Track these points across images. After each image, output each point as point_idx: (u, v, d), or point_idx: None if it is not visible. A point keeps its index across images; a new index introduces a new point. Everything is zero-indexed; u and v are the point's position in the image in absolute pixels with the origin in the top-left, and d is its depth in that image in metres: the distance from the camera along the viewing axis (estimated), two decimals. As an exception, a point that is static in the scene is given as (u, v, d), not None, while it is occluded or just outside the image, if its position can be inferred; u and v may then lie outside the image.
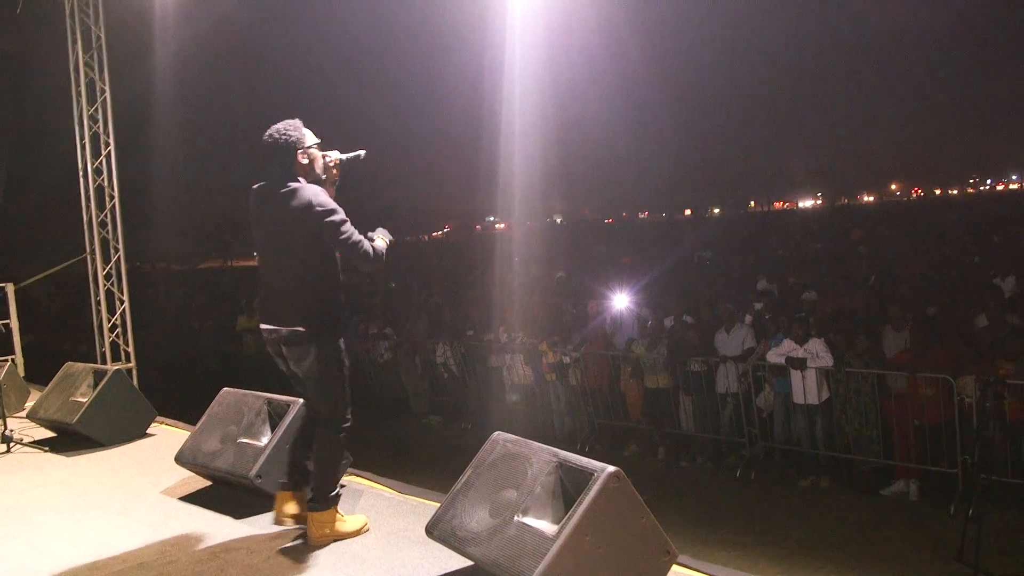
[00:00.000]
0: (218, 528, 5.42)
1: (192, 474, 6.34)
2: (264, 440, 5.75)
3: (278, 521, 5.17)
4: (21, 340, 11.75)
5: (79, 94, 11.56)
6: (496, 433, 4.56)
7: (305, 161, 4.76)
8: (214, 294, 26.54)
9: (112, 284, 12.02)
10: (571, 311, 14.25)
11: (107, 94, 11.68)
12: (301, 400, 5.79)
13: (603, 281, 16.00)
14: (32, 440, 8.10)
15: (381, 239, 4.88)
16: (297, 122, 4.82)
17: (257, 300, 5.06)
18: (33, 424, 8.37)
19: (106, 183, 11.86)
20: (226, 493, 5.96)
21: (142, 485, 6.47)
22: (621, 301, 13.74)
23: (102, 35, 11.53)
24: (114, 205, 11.94)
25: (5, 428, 7.91)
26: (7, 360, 10.57)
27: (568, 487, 4.01)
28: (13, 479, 6.94)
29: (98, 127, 11.69)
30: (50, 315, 21.86)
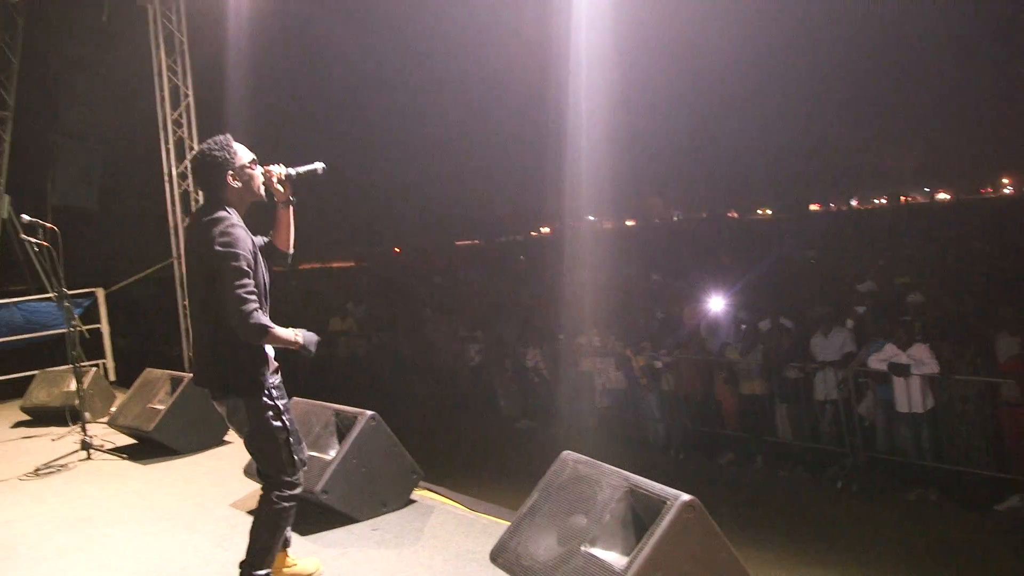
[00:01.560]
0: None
1: (262, 486, 6.19)
2: (331, 453, 5.54)
3: None
4: (117, 344, 11.86)
5: (163, 99, 11.64)
6: (565, 453, 4.26)
7: (237, 184, 4.14)
8: (309, 296, 26.71)
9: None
10: (660, 315, 13.85)
11: (190, 98, 11.74)
12: (369, 412, 5.59)
13: (699, 283, 15.58)
14: (112, 447, 8.08)
15: (294, 334, 4.21)
16: (226, 138, 4.19)
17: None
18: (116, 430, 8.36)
19: (191, 187, 11.89)
20: (296, 507, 5.76)
21: (213, 497, 6.34)
22: (717, 304, 13.29)
23: (184, 40, 11.59)
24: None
25: (85, 434, 7.89)
26: (95, 365, 10.63)
27: (640, 515, 3.70)
28: (89, 488, 6.91)
29: (182, 131, 11.74)
30: (148, 318, 22.21)
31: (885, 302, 12.79)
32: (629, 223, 73.60)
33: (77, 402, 8.24)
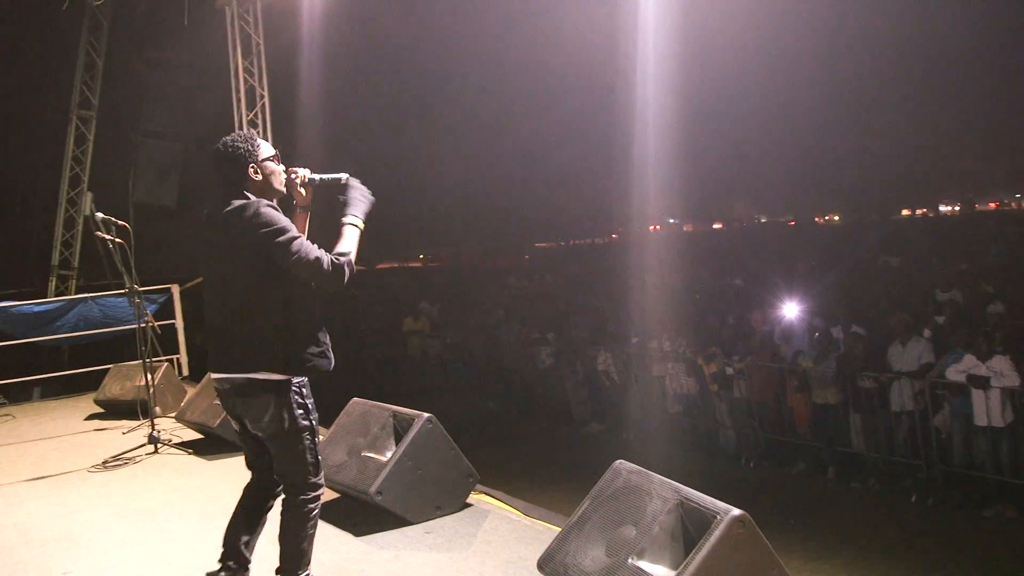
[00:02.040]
0: (336, 544, 5.24)
1: (321, 485, 6.21)
2: (388, 455, 5.53)
3: None
4: (194, 339, 12.05)
5: (239, 100, 11.79)
6: (618, 462, 4.17)
7: (258, 177, 4.08)
8: (385, 295, 26.90)
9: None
10: (732, 321, 13.63)
11: (265, 99, 11.87)
12: (426, 415, 5.56)
13: (776, 288, 15.30)
14: (180, 441, 8.19)
15: (353, 223, 4.12)
16: (250, 133, 4.20)
17: (207, 345, 4.29)
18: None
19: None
20: (352, 507, 5.76)
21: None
22: (791, 310, 13.02)
23: (261, 42, 11.74)
24: (275, 208, 12.09)
25: (153, 429, 8.01)
26: (166, 361, 10.80)
27: (689, 528, 3.61)
28: (153, 481, 7.02)
29: (257, 131, 11.85)
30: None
31: (966, 311, 12.42)
32: (716, 226, 72.88)
33: (148, 396, 8.37)
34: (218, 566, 4.27)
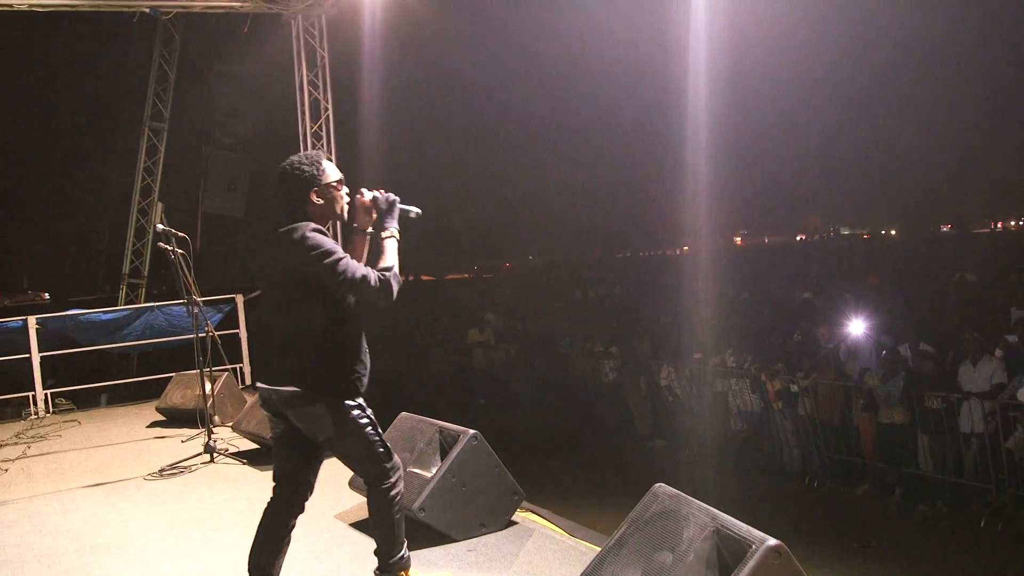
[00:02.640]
0: (375, 563, 5.19)
1: (369, 499, 6.18)
2: (433, 471, 5.48)
3: None
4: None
5: (303, 112, 11.87)
6: (657, 485, 4.06)
7: (319, 201, 4.11)
8: (452, 306, 26.94)
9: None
10: (798, 337, 13.36)
11: (330, 111, 11.94)
12: (471, 431, 5.51)
13: (844, 304, 15.00)
14: (236, 451, 8.25)
15: (393, 235, 4.21)
16: (317, 154, 4.20)
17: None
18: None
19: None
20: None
21: (320, 507, 6.33)
22: (858, 327, 12.73)
23: (326, 55, 11.82)
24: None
25: (210, 438, 8.08)
26: (230, 369, 10.91)
27: (725, 557, 3.49)
28: (206, 491, 7.06)
29: (321, 144, 11.95)
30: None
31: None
32: (800, 237, 71.97)
33: (210, 405, 8.46)
34: None
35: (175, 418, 9.91)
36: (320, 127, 11.96)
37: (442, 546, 5.33)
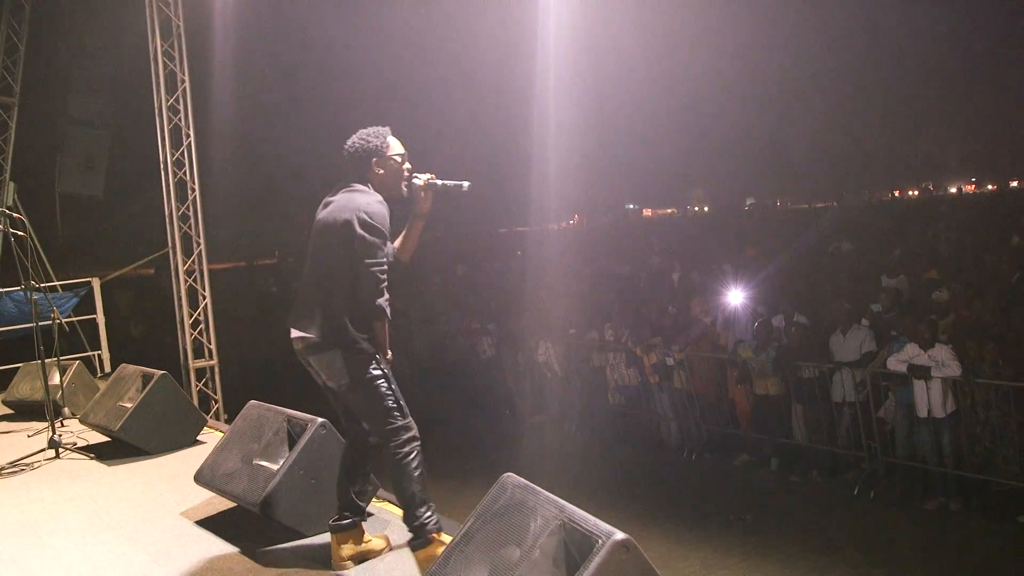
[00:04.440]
0: (220, 564, 4.86)
1: (216, 494, 5.79)
2: (279, 463, 5.15)
3: (337, 567, 4.56)
4: (133, 331, 11.65)
5: (158, 85, 11.29)
6: (506, 475, 3.80)
7: (380, 171, 4.41)
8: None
9: (195, 280, 11.71)
10: (672, 310, 13.33)
11: (187, 84, 11.38)
12: (320, 420, 5.20)
13: (721, 276, 15.04)
14: (85, 444, 7.77)
15: (387, 348, 4.39)
16: (384, 129, 4.48)
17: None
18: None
19: (187, 176, 11.56)
20: (247, 517, 5.35)
21: (166, 504, 5.98)
22: (735, 298, 12.72)
23: (181, 24, 11.26)
24: (195, 198, 11.62)
25: (55, 433, 7.58)
26: (82, 357, 10.34)
27: (572, 551, 3.26)
28: (46, 491, 6.59)
29: (178, 119, 11.40)
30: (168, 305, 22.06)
31: (908, 299, 12.19)
32: (669, 211, 72.82)
33: (59, 396, 7.99)
34: (337, 516, 4.54)
35: (23, 411, 9.29)
36: (176, 100, 11.38)
37: (295, 542, 5.02)
